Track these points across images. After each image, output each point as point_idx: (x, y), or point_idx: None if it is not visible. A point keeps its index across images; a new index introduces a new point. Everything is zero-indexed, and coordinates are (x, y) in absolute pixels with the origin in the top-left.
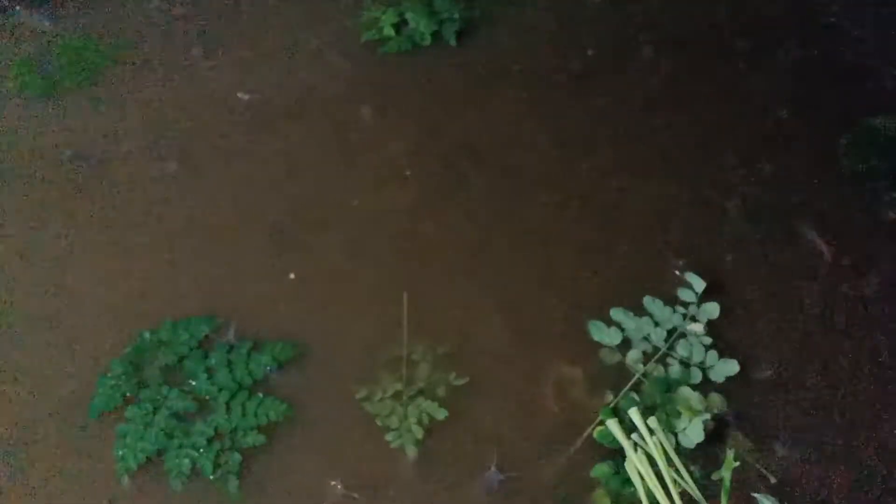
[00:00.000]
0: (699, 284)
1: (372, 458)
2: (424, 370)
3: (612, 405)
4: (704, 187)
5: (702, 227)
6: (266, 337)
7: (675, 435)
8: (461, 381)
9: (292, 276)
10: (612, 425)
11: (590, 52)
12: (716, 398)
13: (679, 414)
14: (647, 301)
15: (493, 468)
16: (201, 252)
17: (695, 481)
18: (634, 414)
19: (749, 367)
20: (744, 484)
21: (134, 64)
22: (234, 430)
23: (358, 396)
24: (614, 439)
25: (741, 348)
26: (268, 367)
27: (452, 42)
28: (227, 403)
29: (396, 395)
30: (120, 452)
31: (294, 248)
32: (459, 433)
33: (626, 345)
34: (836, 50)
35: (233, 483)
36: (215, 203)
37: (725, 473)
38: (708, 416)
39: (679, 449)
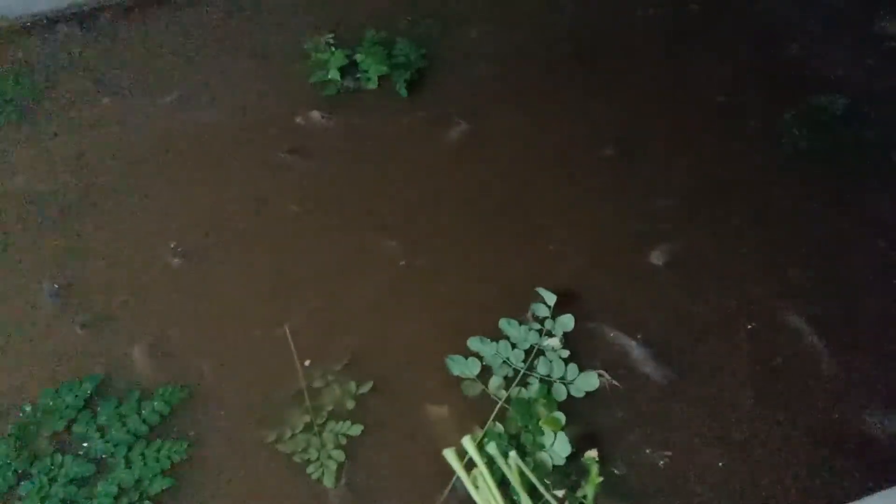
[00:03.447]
0: (550, 297)
1: (291, 492)
2: (328, 393)
3: (479, 440)
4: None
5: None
6: (152, 384)
7: (547, 454)
8: (366, 388)
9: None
10: (451, 459)
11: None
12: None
13: (543, 431)
14: (503, 323)
15: None
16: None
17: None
18: (467, 443)
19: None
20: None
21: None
22: (138, 481)
23: (268, 441)
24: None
25: (599, 355)
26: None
27: (403, 92)
28: (126, 457)
29: (307, 428)
30: None
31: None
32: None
33: (488, 372)
34: (780, 32)
35: None
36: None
37: (589, 490)
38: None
39: (553, 467)
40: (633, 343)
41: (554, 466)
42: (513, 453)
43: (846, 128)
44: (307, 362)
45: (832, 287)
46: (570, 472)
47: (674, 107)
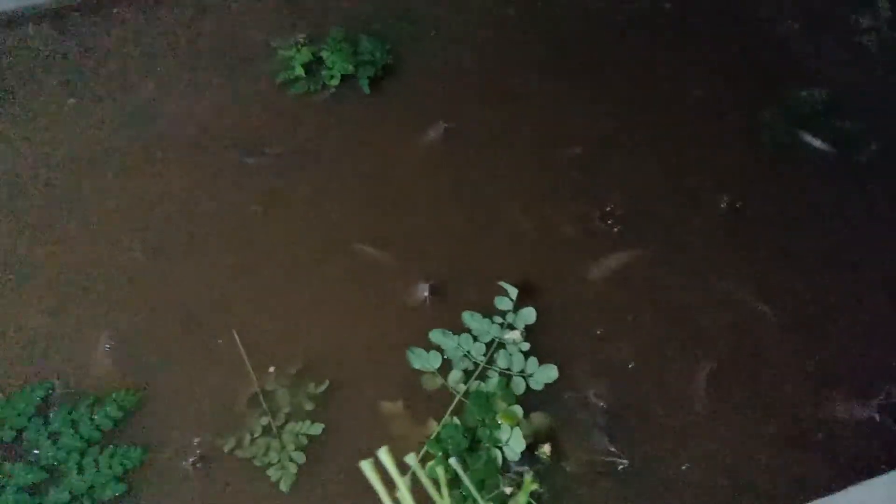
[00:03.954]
0: (513, 291)
1: (250, 496)
2: (284, 394)
3: (435, 435)
4: None
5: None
6: (103, 390)
7: (501, 450)
8: (323, 387)
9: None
10: (367, 469)
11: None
12: (540, 416)
13: (500, 426)
14: (466, 316)
15: None
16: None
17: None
18: (383, 454)
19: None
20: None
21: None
22: (91, 488)
23: (227, 449)
24: (445, 472)
25: (559, 349)
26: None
27: (366, 89)
28: (79, 463)
29: (266, 430)
30: None
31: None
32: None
33: (449, 366)
34: (758, 26)
35: None
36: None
37: (522, 498)
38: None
39: (505, 464)
40: (594, 337)
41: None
42: (411, 455)
43: (826, 122)
44: (271, 369)
45: (810, 283)
46: (525, 466)
47: (650, 102)
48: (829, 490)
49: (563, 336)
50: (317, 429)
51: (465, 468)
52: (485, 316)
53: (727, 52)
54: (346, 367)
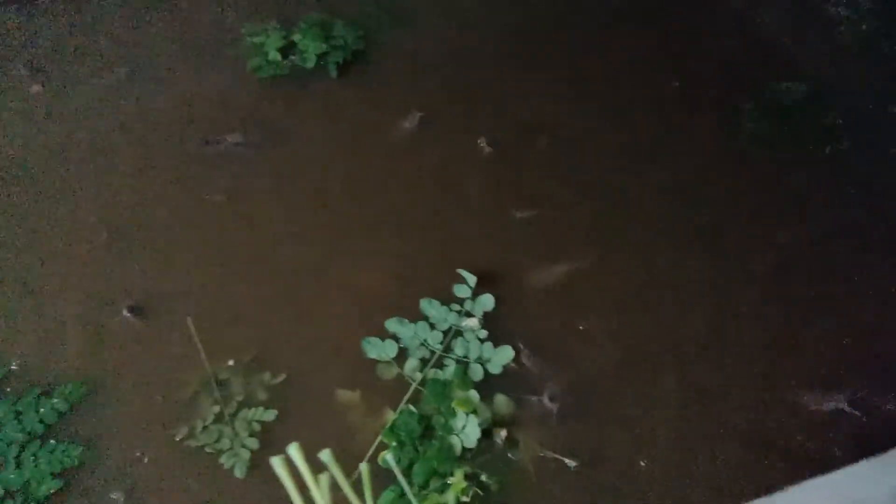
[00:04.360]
0: (471, 279)
1: (200, 484)
2: (238, 383)
3: (390, 424)
4: None
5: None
6: (52, 381)
7: (459, 437)
8: (279, 378)
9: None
10: (278, 467)
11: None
12: (501, 399)
13: (455, 413)
14: (424, 304)
15: None
16: None
17: None
18: (293, 450)
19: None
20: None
21: None
22: (27, 483)
23: (179, 438)
24: (398, 462)
25: (518, 336)
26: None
27: (333, 73)
28: (18, 457)
29: (219, 418)
30: None
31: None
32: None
33: (405, 355)
34: (737, 18)
35: None
36: None
37: (450, 497)
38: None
39: (463, 451)
40: (554, 325)
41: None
42: (326, 451)
43: (806, 114)
44: (231, 362)
45: (791, 275)
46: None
47: (625, 95)
48: (787, 484)
49: (522, 323)
50: (270, 415)
51: (420, 457)
52: (443, 303)
53: (708, 42)
54: (303, 356)
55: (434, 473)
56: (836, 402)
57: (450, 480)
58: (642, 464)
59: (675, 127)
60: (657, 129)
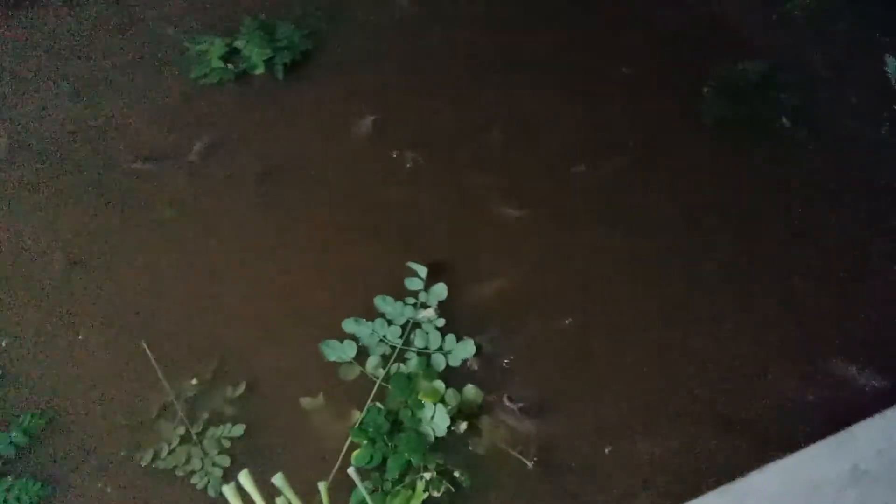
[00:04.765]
0: (422, 270)
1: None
2: (202, 401)
3: (358, 423)
4: None
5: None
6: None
7: (429, 427)
8: (240, 390)
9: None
10: (230, 494)
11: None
12: (469, 389)
13: (423, 405)
14: (378, 301)
15: None
16: None
17: None
18: (244, 478)
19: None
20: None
21: None
22: None
23: (144, 463)
24: (370, 460)
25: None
26: None
27: (280, 76)
28: None
29: (185, 439)
30: None
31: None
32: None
33: (365, 353)
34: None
35: None
36: None
37: (419, 488)
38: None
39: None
40: (509, 310)
41: (437, 439)
42: (279, 475)
43: (763, 94)
44: (193, 381)
45: (754, 253)
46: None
47: (580, 83)
48: (752, 467)
49: (477, 309)
50: (238, 430)
51: (391, 451)
52: (397, 299)
53: (663, 25)
54: (263, 366)
55: (408, 465)
56: (802, 381)
57: (426, 476)
58: (607, 451)
59: (634, 112)
60: (615, 116)
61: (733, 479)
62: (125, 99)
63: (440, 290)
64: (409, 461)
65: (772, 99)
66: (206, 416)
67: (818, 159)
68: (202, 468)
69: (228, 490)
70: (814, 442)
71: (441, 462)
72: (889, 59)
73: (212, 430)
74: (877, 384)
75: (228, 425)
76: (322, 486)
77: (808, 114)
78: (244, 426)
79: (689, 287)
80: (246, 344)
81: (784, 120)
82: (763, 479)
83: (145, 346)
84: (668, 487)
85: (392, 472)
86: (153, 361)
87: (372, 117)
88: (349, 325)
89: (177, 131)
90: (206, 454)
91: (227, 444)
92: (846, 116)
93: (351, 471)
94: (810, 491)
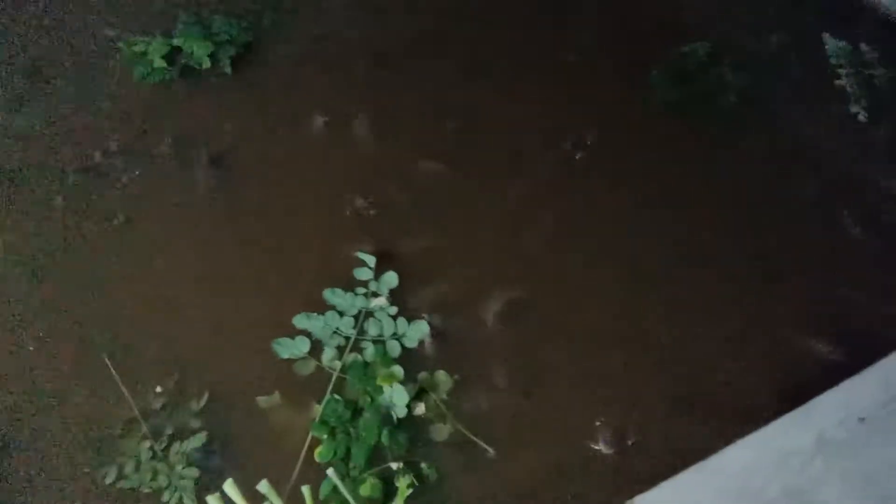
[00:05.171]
0: (371, 259)
1: None
2: (164, 415)
3: (318, 418)
4: None
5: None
6: None
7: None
8: (203, 402)
9: None
10: (230, 491)
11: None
12: (441, 375)
13: (381, 390)
14: (328, 293)
15: None
16: None
17: None
18: (229, 486)
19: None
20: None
21: None
22: None
23: (108, 481)
24: (335, 454)
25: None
26: None
27: (228, 69)
28: None
29: (152, 455)
30: None
31: None
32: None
33: (320, 347)
34: None
35: None
36: None
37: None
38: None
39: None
40: (461, 289)
41: (399, 421)
42: (264, 482)
43: (709, 74)
44: (158, 388)
45: (707, 231)
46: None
47: (527, 71)
48: (721, 443)
49: (429, 294)
50: (199, 440)
51: (354, 440)
52: (347, 290)
53: (604, 19)
54: (222, 373)
55: (372, 451)
56: (765, 357)
57: (393, 466)
58: (589, 444)
59: (583, 100)
60: (564, 104)
61: (706, 457)
62: (68, 104)
63: (391, 278)
64: (373, 446)
65: (718, 80)
66: (170, 430)
67: (766, 136)
68: (170, 484)
69: (213, 500)
70: (781, 415)
71: (403, 442)
72: (826, 38)
73: (176, 445)
74: (836, 358)
75: (192, 438)
76: (305, 491)
77: (754, 93)
78: (205, 433)
79: (646, 270)
80: (202, 352)
81: (731, 99)
82: (736, 452)
83: (107, 360)
84: (640, 469)
85: (357, 458)
86: (115, 376)
87: (321, 107)
88: (300, 321)
89: (124, 133)
90: (171, 469)
91: (193, 455)
92: (791, 94)
93: (330, 472)
94: (781, 461)
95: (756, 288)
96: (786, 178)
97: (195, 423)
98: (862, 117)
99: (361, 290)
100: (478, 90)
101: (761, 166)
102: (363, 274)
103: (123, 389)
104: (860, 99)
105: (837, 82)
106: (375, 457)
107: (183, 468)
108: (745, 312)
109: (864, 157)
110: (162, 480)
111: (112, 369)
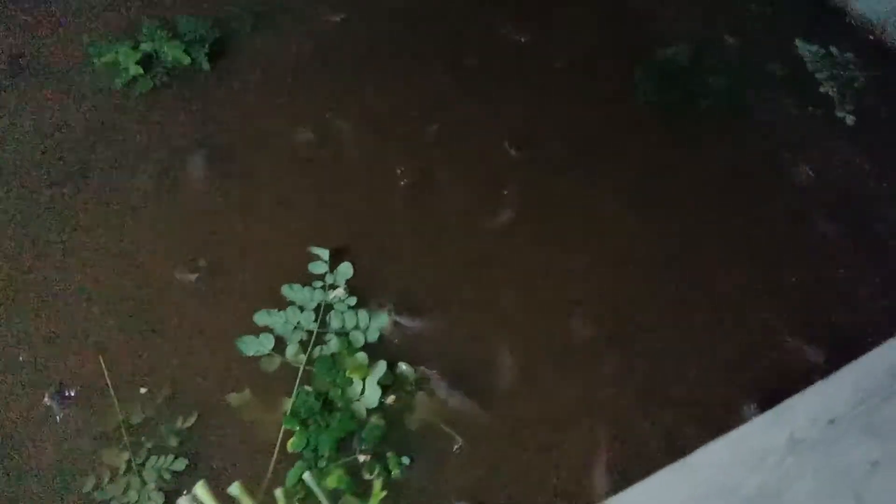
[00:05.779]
0: (324, 253)
1: None
2: (149, 427)
3: (289, 410)
4: None
5: None
6: None
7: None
8: (191, 421)
9: None
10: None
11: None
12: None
13: (351, 381)
14: (286, 289)
15: None
16: None
17: None
18: (200, 489)
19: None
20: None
21: None
22: None
23: (85, 490)
24: (307, 443)
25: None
26: None
27: (206, 66)
28: None
29: (128, 468)
30: None
31: None
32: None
33: (283, 343)
34: None
35: None
36: None
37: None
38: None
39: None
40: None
41: (368, 411)
42: (235, 485)
43: (693, 77)
44: (143, 389)
45: (689, 231)
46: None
47: (510, 74)
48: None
49: (385, 281)
50: (180, 465)
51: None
52: (304, 285)
53: (584, 27)
54: (186, 370)
55: (339, 442)
56: (742, 357)
57: (360, 458)
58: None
59: (567, 103)
60: (549, 108)
61: (683, 455)
62: (47, 117)
63: (345, 270)
64: (341, 438)
65: (701, 79)
66: (149, 445)
67: (749, 137)
68: (137, 501)
69: (184, 501)
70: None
71: (378, 433)
72: (799, 42)
73: (153, 461)
74: (812, 359)
75: (171, 458)
76: (236, 488)
77: (735, 95)
78: (186, 461)
79: (627, 268)
80: (174, 355)
81: (711, 102)
82: (713, 450)
83: (102, 361)
84: (618, 467)
85: (323, 448)
86: (107, 380)
87: (299, 99)
88: (261, 318)
89: (102, 143)
90: (144, 485)
91: (167, 475)
92: (771, 96)
93: (307, 476)
94: (757, 460)
95: (736, 291)
96: (767, 181)
97: (175, 443)
98: (849, 121)
99: (318, 283)
100: (458, 92)
101: (746, 169)
102: (318, 268)
103: (112, 393)
104: (844, 103)
105: (821, 89)
106: (346, 447)
107: (153, 489)
108: (723, 315)
109: (852, 160)
110: (132, 496)
111: (106, 373)
